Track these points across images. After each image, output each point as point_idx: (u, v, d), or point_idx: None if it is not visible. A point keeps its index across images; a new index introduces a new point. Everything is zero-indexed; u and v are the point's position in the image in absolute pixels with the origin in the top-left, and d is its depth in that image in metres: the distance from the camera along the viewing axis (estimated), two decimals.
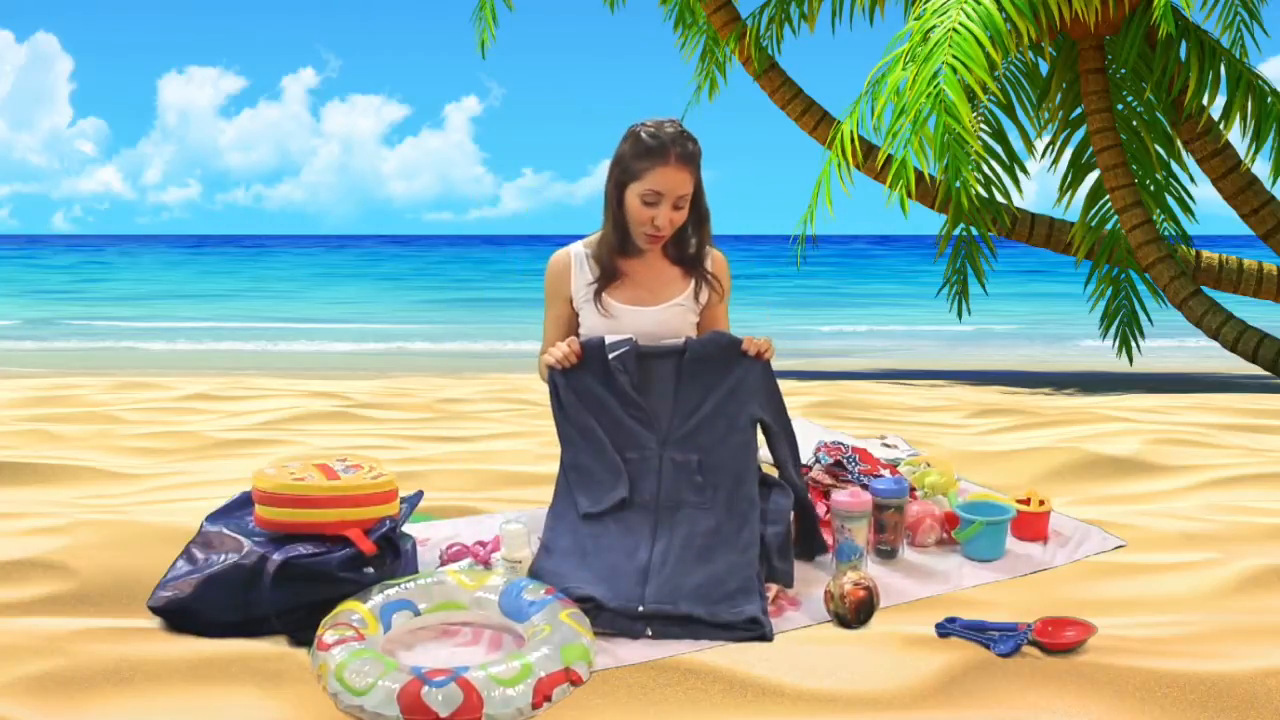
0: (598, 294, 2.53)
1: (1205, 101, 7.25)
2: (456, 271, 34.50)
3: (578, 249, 2.60)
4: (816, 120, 8.38)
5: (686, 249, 2.55)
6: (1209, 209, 7.91)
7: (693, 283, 2.56)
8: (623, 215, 2.47)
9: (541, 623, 1.90)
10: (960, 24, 6.24)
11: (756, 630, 2.03)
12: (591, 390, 2.39)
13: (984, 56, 6.11)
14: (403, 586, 2.04)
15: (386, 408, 5.13)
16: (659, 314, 2.53)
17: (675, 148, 2.37)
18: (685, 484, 2.31)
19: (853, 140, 6.95)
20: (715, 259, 2.60)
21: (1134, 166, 7.51)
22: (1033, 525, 2.63)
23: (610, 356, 2.38)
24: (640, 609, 2.04)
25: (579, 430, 2.38)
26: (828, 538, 2.53)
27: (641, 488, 2.32)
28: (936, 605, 2.22)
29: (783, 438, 2.45)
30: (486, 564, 2.35)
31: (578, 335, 2.55)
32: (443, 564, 2.38)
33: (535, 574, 2.19)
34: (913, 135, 6.25)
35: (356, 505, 2.12)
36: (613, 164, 2.47)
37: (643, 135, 2.40)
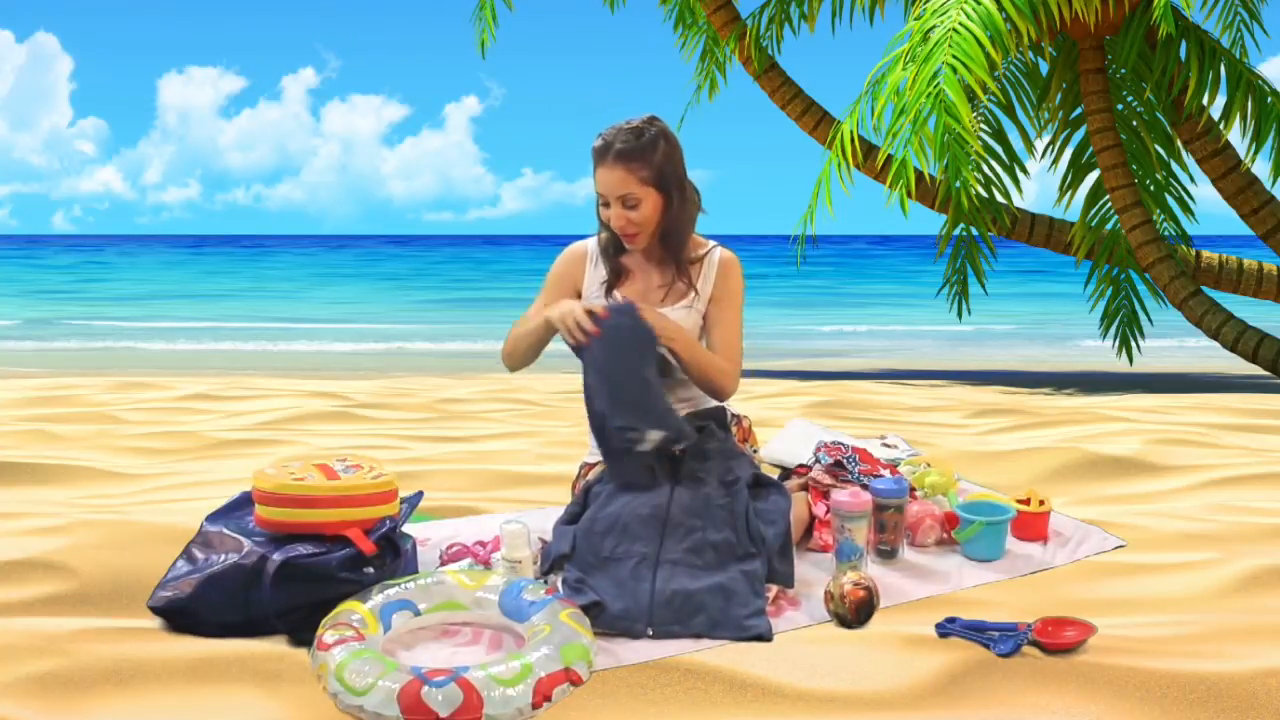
0: (608, 292, 2.53)
1: (1205, 101, 7.25)
2: (456, 271, 34.48)
3: (594, 245, 2.60)
4: (816, 120, 8.38)
5: (674, 242, 2.49)
6: (1209, 209, 7.91)
7: (685, 285, 2.55)
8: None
9: (541, 623, 1.90)
10: (960, 24, 6.24)
11: (758, 623, 2.04)
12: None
13: (984, 56, 6.10)
14: (403, 586, 2.04)
15: (386, 408, 5.13)
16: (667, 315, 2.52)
17: (614, 146, 2.37)
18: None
19: (853, 140, 6.94)
20: (724, 261, 2.56)
21: (1134, 166, 7.50)
22: (1033, 525, 2.63)
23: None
24: (650, 632, 2.04)
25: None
26: (827, 538, 2.54)
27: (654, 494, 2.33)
28: (936, 605, 2.22)
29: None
30: (486, 564, 2.35)
31: None
32: (443, 564, 2.38)
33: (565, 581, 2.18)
34: (913, 135, 6.25)
35: (357, 505, 2.12)
36: None
37: (595, 140, 2.43)
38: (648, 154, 2.38)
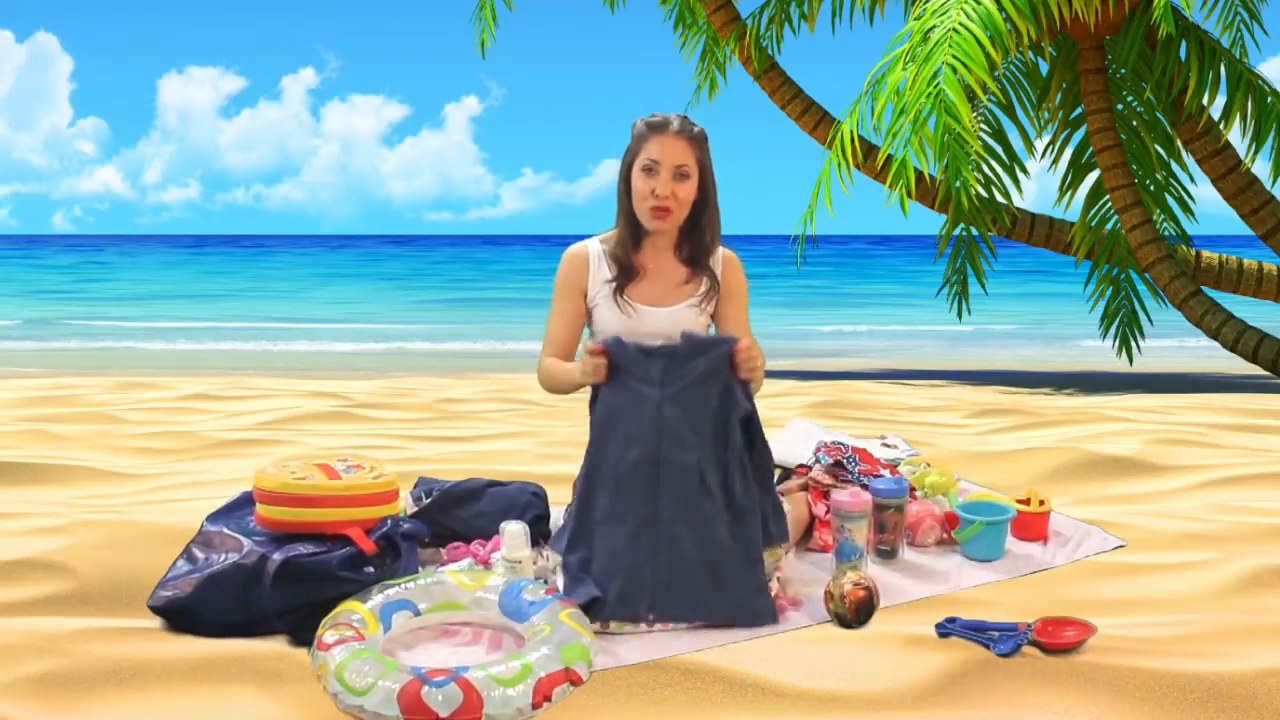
0: (619, 290, 2.52)
1: (1205, 101, 7.25)
2: (456, 271, 34.47)
3: (595, 245, 2.59)
4: (816, 120, 8.38)
5: (700, 244, 2.52)
6: (1209, 209, 7.91)
7: (703, 283, 2.55)
8: (630, 202, 2.48)
9: (541, 623, 1.91)
10: (960, 24, 6.24)
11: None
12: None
13: (984, 56, 6.10)
14: (403, 586, 2.04)
15: (386, 408, 5.13)
16: (675, 314, 2.52)
17: (675, 121, 2.45)
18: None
19: (853, 140, 6.94)
20: (726, 259, 2.59)
21: (1134, 166, 7.50)
22: (1033, 525, 2.63)
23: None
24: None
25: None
26: (827, 538, 2.54)
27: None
28: (936, 605, 2.22)
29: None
30: (486, 564, 2.36)
31: (584, 332, 2.60)
32: (443, 564, 2.38)
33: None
34: (913, 135, 6.25)
35: (358, 505, 2.12)
36: (622, 158, 2.51)
37: (644, 118, 2.49)
38: (702, 142, 2.48)
